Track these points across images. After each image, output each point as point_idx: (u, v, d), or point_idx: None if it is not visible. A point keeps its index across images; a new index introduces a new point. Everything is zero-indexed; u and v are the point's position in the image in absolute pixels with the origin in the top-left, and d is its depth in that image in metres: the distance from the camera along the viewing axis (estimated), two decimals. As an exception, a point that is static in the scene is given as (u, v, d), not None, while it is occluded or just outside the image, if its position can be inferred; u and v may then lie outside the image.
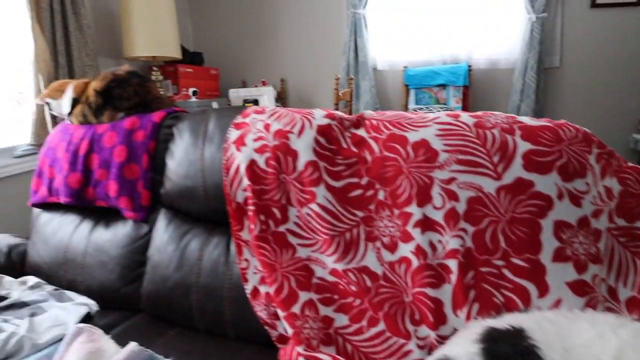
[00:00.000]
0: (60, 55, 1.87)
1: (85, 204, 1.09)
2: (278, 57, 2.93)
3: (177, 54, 2.22)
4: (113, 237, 1.04)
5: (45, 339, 0.81)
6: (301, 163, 0.86)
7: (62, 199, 1.08)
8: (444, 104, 2.47)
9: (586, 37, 2.37)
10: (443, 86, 2.46)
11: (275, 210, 0.86)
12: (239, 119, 0.96)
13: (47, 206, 1.18)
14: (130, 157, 1.05)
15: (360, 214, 0.81)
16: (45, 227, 1.16)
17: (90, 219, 1.11)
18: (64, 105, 1.20)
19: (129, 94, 1.12)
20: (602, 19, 2.33)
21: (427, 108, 2.43)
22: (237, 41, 3.03)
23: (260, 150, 0.88)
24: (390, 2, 2.61)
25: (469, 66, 2.44)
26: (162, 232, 1.01)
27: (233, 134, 0.93)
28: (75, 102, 1.18)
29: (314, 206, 0.83)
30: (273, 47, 2.93)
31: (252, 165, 0.88)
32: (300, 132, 0.88)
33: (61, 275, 1.08)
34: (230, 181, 0.90)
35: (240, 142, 0.90)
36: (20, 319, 0.86)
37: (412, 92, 2.53)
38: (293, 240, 0.85)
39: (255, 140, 0.90)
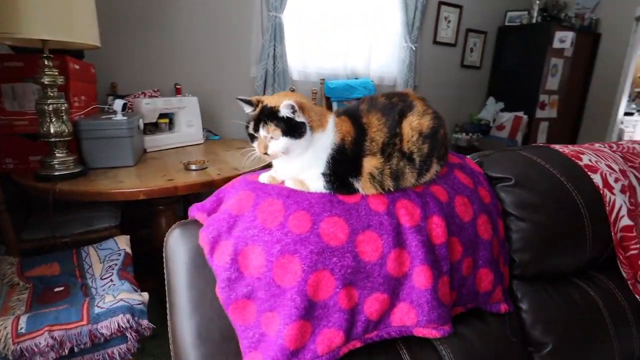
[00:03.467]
0: None
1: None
2: (171, 58, 2.16)
3: (95, 40, 1.29)
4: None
5: None
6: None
7: (430, 333, 0.60)
8: (361, 116, 2.64)
9: (430, 63, 3.15)
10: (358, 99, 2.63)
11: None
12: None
13: None
14: (494, 230, 0.72)
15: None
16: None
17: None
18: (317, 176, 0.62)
19: (446, 138, 0.73)
20: (439, 52, 3.17)
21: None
22: (109, 30, 1.98)
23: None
24: (300, 10, 2.48)
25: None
26: (543, 309, 0.78)
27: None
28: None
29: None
30: (164, 44, 2.13)
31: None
32: None
33: None
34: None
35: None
36: None
37: (334, 105, 2.55)
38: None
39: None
